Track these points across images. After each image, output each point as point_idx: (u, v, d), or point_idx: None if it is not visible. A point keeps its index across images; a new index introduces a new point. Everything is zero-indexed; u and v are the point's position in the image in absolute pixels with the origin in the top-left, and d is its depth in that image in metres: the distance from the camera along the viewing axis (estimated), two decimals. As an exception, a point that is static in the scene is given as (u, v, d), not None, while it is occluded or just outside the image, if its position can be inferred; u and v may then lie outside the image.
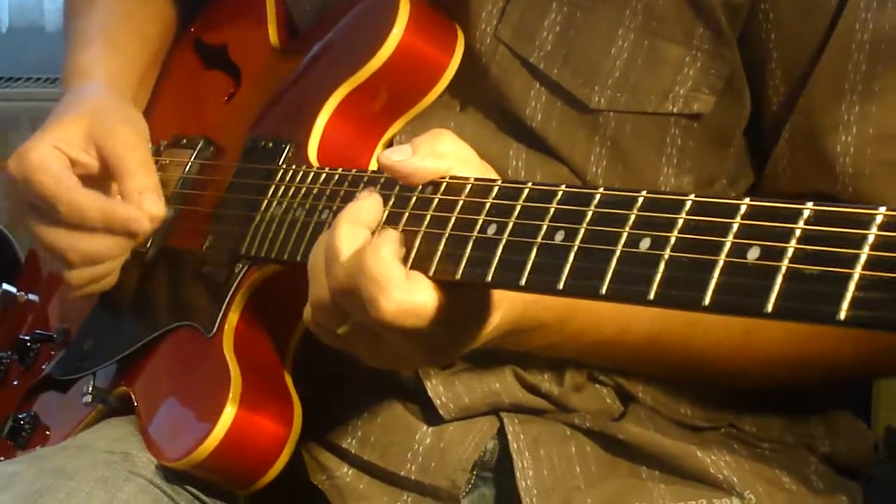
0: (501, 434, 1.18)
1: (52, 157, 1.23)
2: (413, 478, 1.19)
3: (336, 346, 1.00)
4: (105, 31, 1.44)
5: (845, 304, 0.64)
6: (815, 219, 0.68)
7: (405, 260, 0.90)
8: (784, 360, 1.12)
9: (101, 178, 1.26)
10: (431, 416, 1.20)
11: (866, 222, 0.65)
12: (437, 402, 1.18)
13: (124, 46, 1.44)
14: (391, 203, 0.95)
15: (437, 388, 1.18)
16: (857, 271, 0.64)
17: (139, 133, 1.30)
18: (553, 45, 1.14)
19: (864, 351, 1.10)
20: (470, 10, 1.16)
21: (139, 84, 1.44)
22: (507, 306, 0.95)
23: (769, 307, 0.67)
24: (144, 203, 1.22)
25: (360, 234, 0.93)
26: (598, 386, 1.20)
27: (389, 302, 0.88)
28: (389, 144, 1.19)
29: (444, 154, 0.94)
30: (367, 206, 0.95)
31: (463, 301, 0.91)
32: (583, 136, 1.15)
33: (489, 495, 1.20)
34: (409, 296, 0.88)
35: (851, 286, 0.64)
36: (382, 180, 0.98)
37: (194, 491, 1.22)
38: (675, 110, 1.13)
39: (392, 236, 0.91)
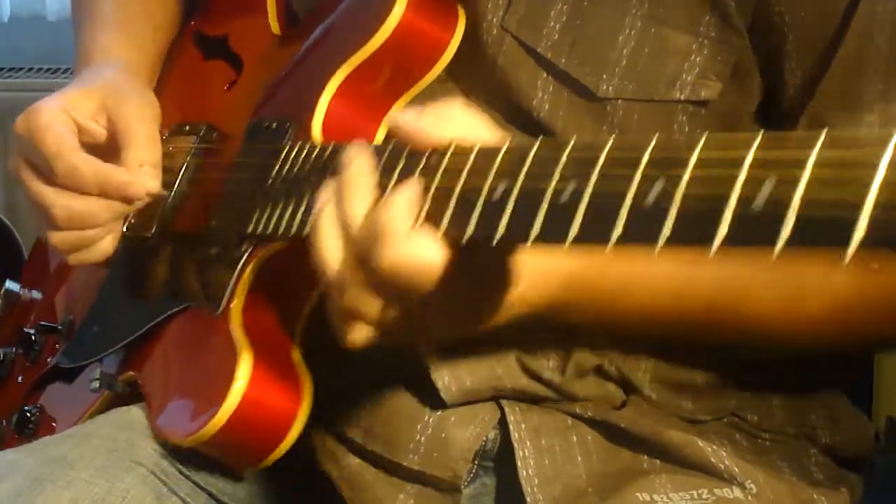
0: (503, 424, 1.17)
1: (59, 118, 1.24)
2: (415, 468, 1.18)
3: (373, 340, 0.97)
4: (122, 18, 1.44)
5: (861, 227, 0.63)
6: (828, 144, 0.66)
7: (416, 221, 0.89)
8: (833, 322, 1.09)
9: (106, 150, 1.26)
10: (434, 402, 1.18)
11: (884, 142, 0.64)
12: (440, 385, 1.17)
13: (140, 36, 1.44)
14: (399, 169, 0.93)
15: (439, 370, 1.17)
16: (873, 192, 0.63)
17: (152, 110, 1.31)
18: (560, 35, 1.13)
19: None
20: (476, 1, 1.16)
21: (153, 73, 1.44)
22: (524, 286, 0.93)
23: (780, 243, 0.66)
24: (141, 175, 1.23)
25: (366, 194, 0.92)
26: (601, 378, 1.18)
27: (390, 253, 0.86)
28: None
29: (454, 118, 0.93)
30: (357, 170, 0.93)
31: (476, 267, 0.89)
32: (590, 124, 1.14)
33: (490, 485, 1.19)
34: (409, 249, 0.86)
35: (868, 208, 0.63)
36: (388, 149, 0.96)
37: (197, 480, 1.21)
38: (682, 97, 1.13)
39: (412, 187, 0.89)
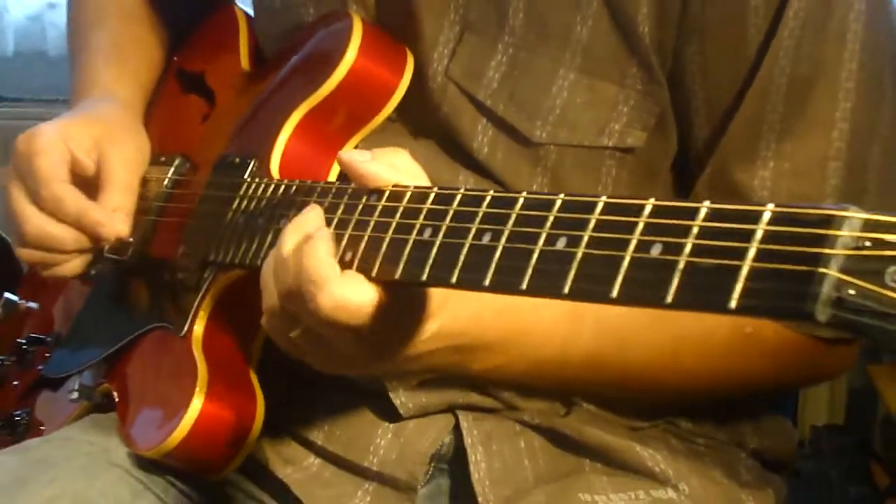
0: (457, 430, 1.16)
1: (57, 146, 1.25)
2: (375, 469, 1.17)
3: (293, 354, 0.99)
4: (119, 52, 1.44)
5: (736, 294, 0.63)
6: (711, 216, 0.66)
7: (351, 262, 0.89)
8: (707, 376, 1.10)
9: (89, 184, 1.27)
10: (392, 414, 1.18)
11: (755, 218, 0.64)
12: (397, 402, 1.16)
13: (136, 69, 1.44)
14: (340, 210, 0.94)
15: (396, 389, 1.16)
16: (748, 263, 0.63)
17: (140, 157, 1.31)
18: (499, 84, 1.13)
19: (777, 365, 1.10)
20: (423, 50, 1.16)
21: (145, 104, 1.43)
22: (446, 318, 0.94)
23: (669, 299, 0.66)
24: (114, 220, 1.24)
25: (301, 241, 0.92)
26: (542, 396, 1.18)
27: (325, 298, 0.87)
28: None
29: (399, 168, 0.93)
30: (310, 218, 0.94)
31: (401, 302, 0.90)
32: (526, 167, 1.14)
33: (445, 486, 1.18)
34: (343, 291, 0.87)
35: (742, 277, 0.63)
36: (334, 190, 0.97)
37: (170, 478, 1.21)
38: (610, 144, 1.12)
39: (325, 235, 0.90)
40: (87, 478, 1.17)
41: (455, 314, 0.95)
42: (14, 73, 2.97)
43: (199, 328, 1.16)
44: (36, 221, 1.24)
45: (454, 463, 1.17)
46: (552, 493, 1.14)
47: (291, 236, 0.93)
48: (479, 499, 1.13)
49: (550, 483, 1.15)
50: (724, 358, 1.07)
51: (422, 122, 1.18)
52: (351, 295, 0.87)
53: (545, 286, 0.74)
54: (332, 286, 0.87)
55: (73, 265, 1.27)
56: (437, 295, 0.92)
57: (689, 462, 1.18)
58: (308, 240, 0.90)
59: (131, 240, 1.26)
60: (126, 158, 1.28)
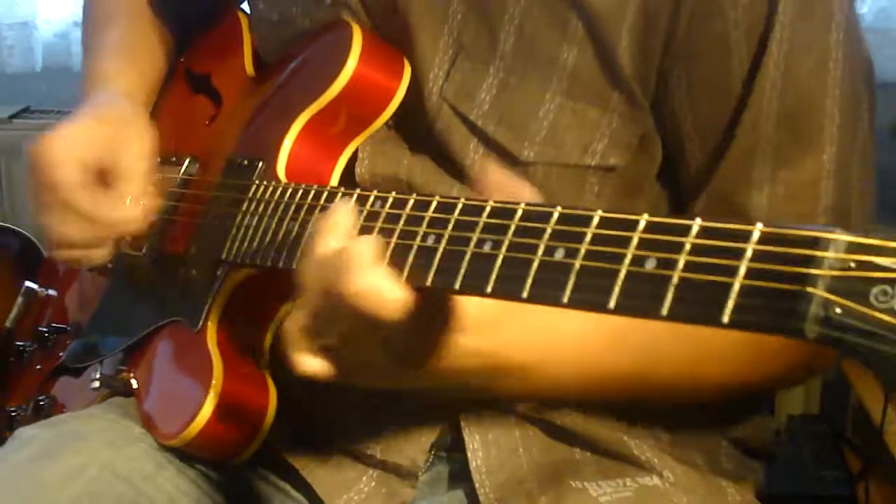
0: (455, 420, 1.17)
1: (68, 155, 1.24)
2: (379, 457, 1.18)
3: (322, 374, 0.94)
4: (125, 47, 1.44)
5: (728, 310, 0.63)
6: (703, 233, 0.66)
7: None
8: (728, 380, 1.10)
9: (104, 175, 1.27)
10: (395, 406, 1.18)
11: (745, 237, 0.64)
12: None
13: (141, 64, 1.43)
14: (365, 214, 0.92)
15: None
16: (739, 280, 0.63)
17: (147, 144, 1.31)
18: (490, 106, 1.13)
19: (786, 360, 1.10)
20: (419, 72, 1.16)
21: (149, 97, 1.43)
22: (481, 336, 0.91)
23: (664, 311, 0.66)
24: (126, 210, 1.25)
25: (340, 237, 0.90)
26: None
27: (352, 285, 0.84)
28: (348, 161, 1.19)
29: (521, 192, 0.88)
30: (342, 213, 0.91)
31: (428, 308, 0.87)
32: None
33: (444, 472, 1.19)
34: (374, 280, 0.84)
35: (734, 294, 0.63)
36: (339, 195, 0.96)
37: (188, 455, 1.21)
38: (593, 163, 1.12)
39: (378, 239, 0.87)
40: (114, 448, 1.19)
41: (489, 335, 0.92)
42: (42, 87, 3.00)
43: (213, 324, 1.16)
44: (57, 228, 1.25)
45: (453, 451, 1.18)
46: (544, 480, 1.14)
47: (329, 234, 0.90)
48: (476, 485, 1.13)
49: (543, 471, 1.15)
50: (740, 360, 1.07)
51: (418, 138, 1.17)
52: (380, 283, 0.84)
53: (545, 295, 0.74)
54: (364, 271, 0.84)
55: (100, 255, 1.28)
56: (473, 313, 0.90)
57: (673, 451, 1.18)
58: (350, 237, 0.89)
59: (146, 225, 1.26)
60: (136, 152, 1.28)
